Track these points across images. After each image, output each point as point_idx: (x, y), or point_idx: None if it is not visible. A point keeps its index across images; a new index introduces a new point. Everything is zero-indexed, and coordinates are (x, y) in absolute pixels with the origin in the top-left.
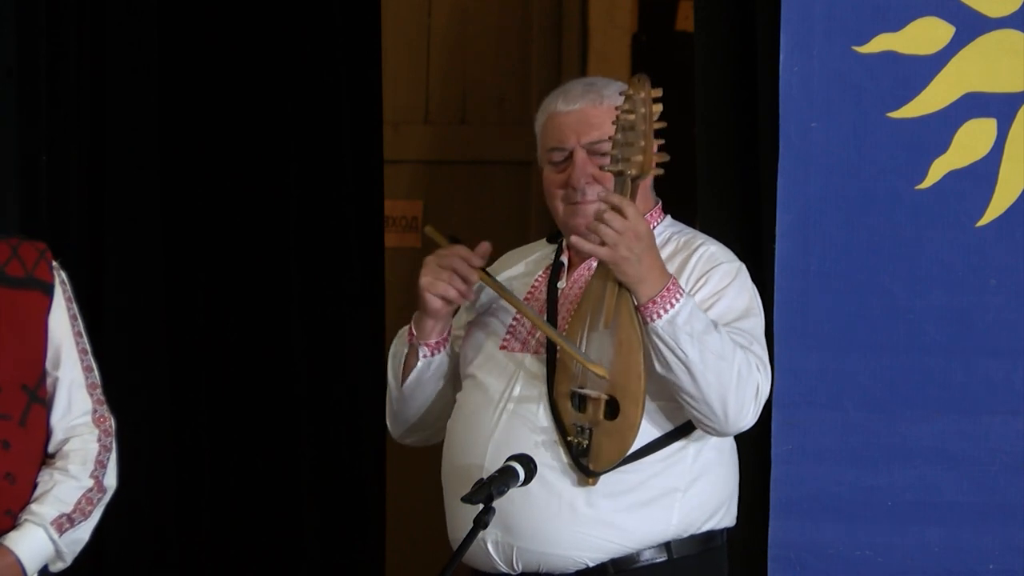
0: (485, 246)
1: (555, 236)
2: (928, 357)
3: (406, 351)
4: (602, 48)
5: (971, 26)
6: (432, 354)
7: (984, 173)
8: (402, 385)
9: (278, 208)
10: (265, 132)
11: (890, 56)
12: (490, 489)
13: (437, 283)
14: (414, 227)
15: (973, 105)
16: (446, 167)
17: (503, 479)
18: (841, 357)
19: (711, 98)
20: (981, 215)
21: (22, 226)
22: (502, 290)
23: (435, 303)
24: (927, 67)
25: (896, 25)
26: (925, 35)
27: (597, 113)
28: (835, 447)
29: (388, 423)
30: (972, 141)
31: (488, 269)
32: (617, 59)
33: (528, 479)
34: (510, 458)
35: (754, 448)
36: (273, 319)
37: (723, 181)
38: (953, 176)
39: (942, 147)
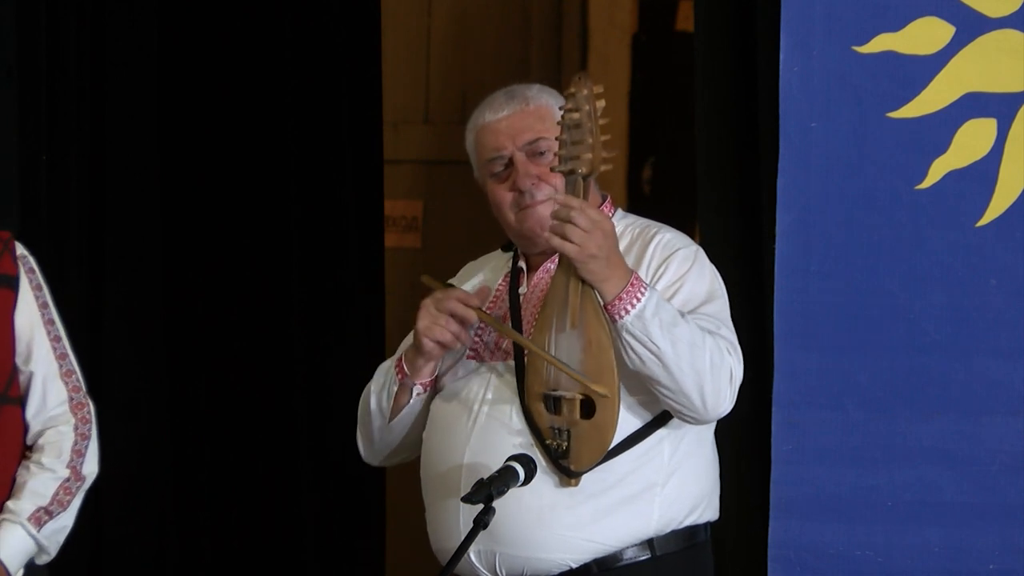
0: (485, 290)
1: (510, 245)
2: (928, 357)
3: (396, 388)
4: (602, 48)
5: (971, 26)
6: (425, 391)
7: (984, 173)
8: (390, 421)
9: (278, 208)
10: (265, 132)
11: (890, 56)
12: (490, 489)
13: (434, 327)
14: (414, 227)
15: (973, 105)
16: (446, 167)
17: (503, 479)
18: (841, 357)
19: (711, 98)
20: (981, 215)
21: (22, 226)
22: (501, 327)
23: (431, 345)
24: (927, 67)
25: (896, 25)
26: (925, 35)
27: (526, 114)
28: (835, 447)
29: (362, 450)
30: (972, 141)
31: (450, 280)
32: (617, 59)
33: (528, 479)
34: (510, 458)
35: (754, 448)
36: (273, 319)
37: (723, 181)
38: (953, 176)
39: (942, 147)
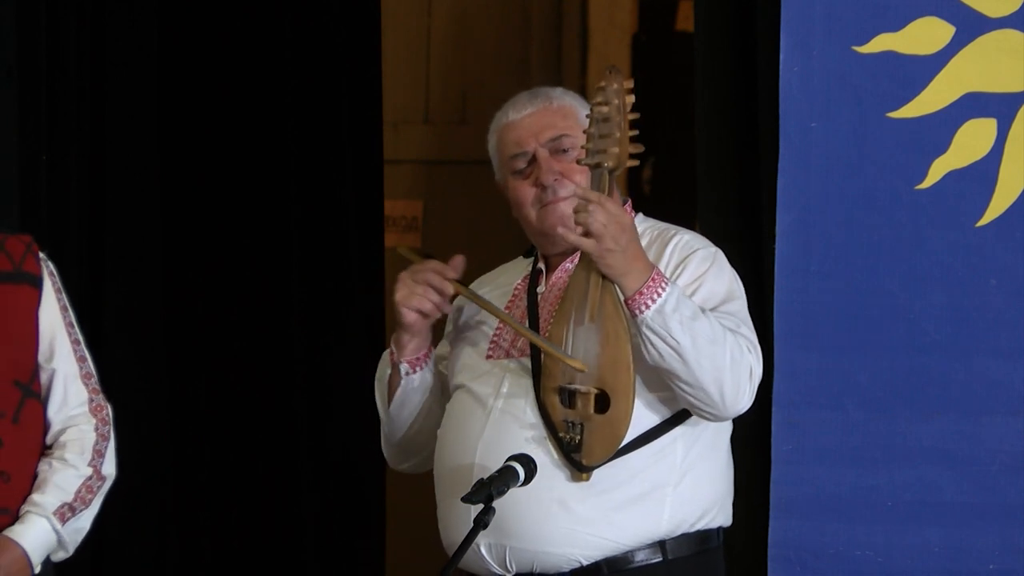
0: (459, 259)
1: (531, 251)
2: (928, 357)
3: (389, 372)
4: (602, 48)
5: (971, 26)
6: (413, 370)
7: (984, 173)
8: (389, 407)
9: (278, 208)
10: (265, 132)
11: (890, 56)
12: (490, 489)
13: (412, 297)
14: (414, 227)
15: (973, 105)
16: (446, 167)
17: (503, 479)
18: (841, 357)
19: (711, 98)
20: (981, 215)
21: (22, 226)
22: (477, 299)
23: (411, 316)
24: (927, 67)
25: (896, 25)
26: (925, 35)
27: (550, 112)
28: (835, 447)
29: (383, 450)
30: (972, 141)
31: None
32: (617, 59)
33: (528, 479)
34: (510, 458)
35: (754, 448)
36: (273, 319)
37: (723, 181)
38: (953, 176)
39: (942, 147)
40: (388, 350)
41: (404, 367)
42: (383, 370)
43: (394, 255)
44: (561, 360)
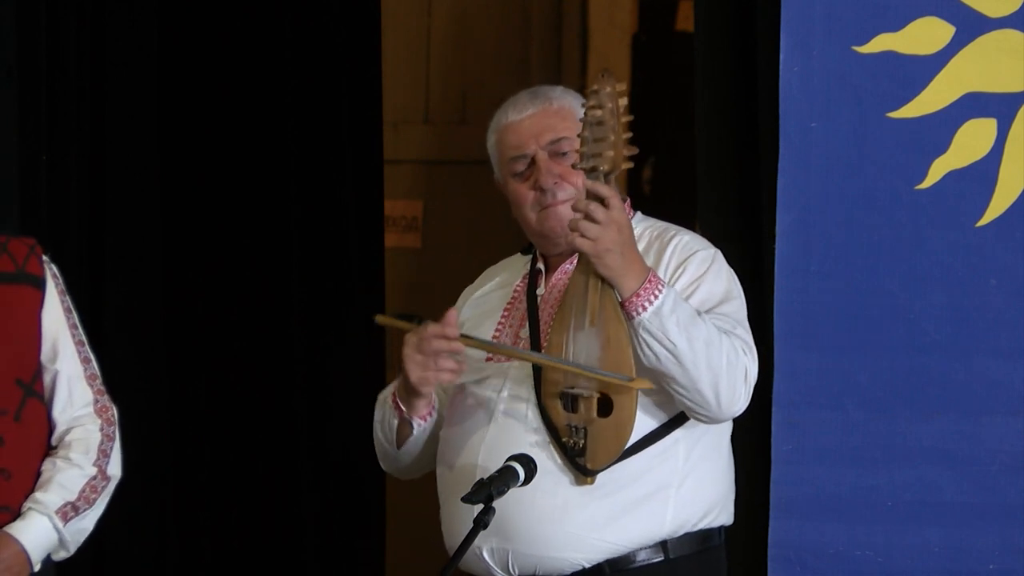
0: (452, 313)
1: (529, 248)
2: (928, 357)
3: (396, 423)
4: (602, 48)
5: (971, 26)
6: (426, 420)
7: (984, 173)
8: (399, 449)
9: (278, 208)
10: (265, 132)
11: (890, 56)
12: (490, 489)
13: (428, 375)
14: (414, 227)
15: (973, 105)
16: (446, 167)
17: (503, 479)
18: (841, 357)
19: (711, 98)
20: (981, 215)
21: (22, 226)
22: (492, 347)
23: (429, 389)
24: (927, 67)
25: (896, 25)
26: (925, 35)
27: (550, 114)
28: (835, 447)
29: (382, 465)
30: (972, 141)
31: (470, 287)
32: (617, 59)
33: (528, 479)
34: (510, 458)
35: (754, 448)
36: (273, 319)
37: (723, 181)
38: (953, 176)
39: (942, 147)
40: (390, 396)
41: (417, 421)
42: (386, 415)
43: (376, 323)
44: (611, 382)
